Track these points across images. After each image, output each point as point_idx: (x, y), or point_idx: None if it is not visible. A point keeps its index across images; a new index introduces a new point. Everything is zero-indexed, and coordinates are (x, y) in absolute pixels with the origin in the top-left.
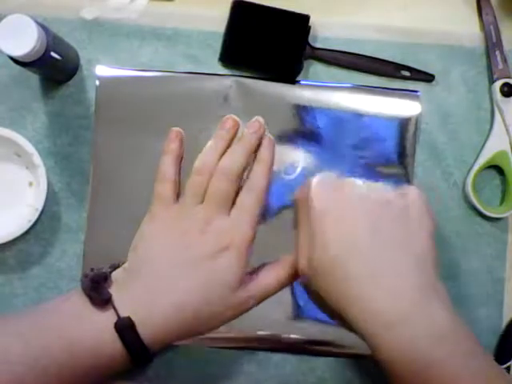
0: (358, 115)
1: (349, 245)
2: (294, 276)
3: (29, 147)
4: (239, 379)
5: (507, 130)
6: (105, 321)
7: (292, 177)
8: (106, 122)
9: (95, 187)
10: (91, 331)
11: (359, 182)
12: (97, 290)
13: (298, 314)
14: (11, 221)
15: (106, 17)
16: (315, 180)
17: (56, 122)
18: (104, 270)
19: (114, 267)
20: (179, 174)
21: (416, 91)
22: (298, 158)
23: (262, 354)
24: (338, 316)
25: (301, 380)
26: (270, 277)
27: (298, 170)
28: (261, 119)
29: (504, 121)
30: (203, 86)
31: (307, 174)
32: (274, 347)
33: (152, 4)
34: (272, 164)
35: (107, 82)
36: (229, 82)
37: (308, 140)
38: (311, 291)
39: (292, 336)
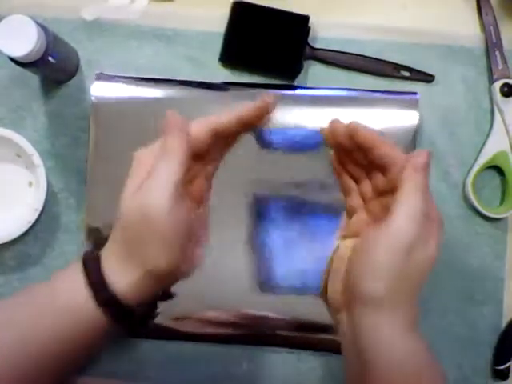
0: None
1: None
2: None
3: (29, 148)
4: (239, 379)
5: (507, 130)
6: (79, 280)
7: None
8: (101, 141)
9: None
10: (68, 293)
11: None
12: (87, 253)
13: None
14: (11, 221)
15: (106, 17)
16: None
17: (56, 122)
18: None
19: None
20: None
21: (415, 93)
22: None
23: (261, 354)
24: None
25: (301, 380)
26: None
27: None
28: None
29: (504, 121)
30: (200, 100)
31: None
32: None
33: (152, 4)
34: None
35: (103, 102)
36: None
37: (305, 152)
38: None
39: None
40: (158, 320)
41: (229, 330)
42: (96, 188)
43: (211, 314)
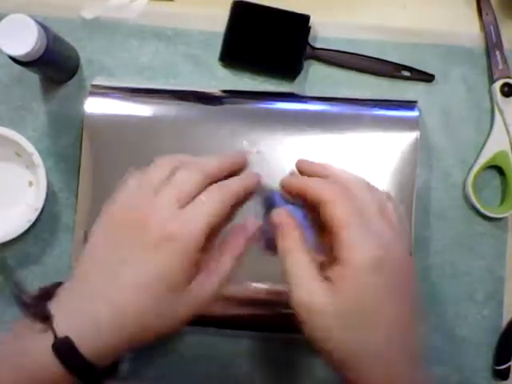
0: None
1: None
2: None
3: (29, 147)
4: (239, 379)
5: (507, 130)
6: (44, 342)
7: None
8: (93, 155)
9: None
10: (33, 355)
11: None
12: (38, 306)
13: None
14: (11, 220)
15: (106, 17)
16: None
17: (56, 121)
18: (50, 286)
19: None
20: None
21: (414, 103)
22: None
23: (261, 354)
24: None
25: (300, 380)
26: (226, 260)
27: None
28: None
29: (504, 121)
30: (195, 116)
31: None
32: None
33: (152, 4)
34: (252, 186)
35: (96, 118)
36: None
37: None
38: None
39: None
40: None
41: (237, 311)
42: (87, 203)
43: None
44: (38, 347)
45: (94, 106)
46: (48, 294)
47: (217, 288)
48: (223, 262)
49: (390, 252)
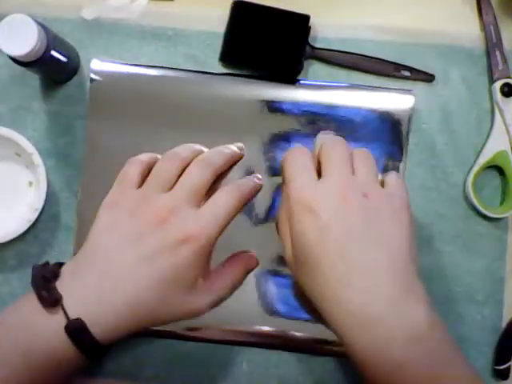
0: (352, 111)
1: (323, 239)
2: (245, 276)
3: (29, 147)
4: (239, 379)
5: (507, 130)
6: (55, 324)
7: None
8: (99, 116)
9: (87, 180)
10: (43, 337)
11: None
12: (47, 288)
13: (273, 309)
14: (11, 220)
15: (106, 17)
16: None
17: (56, 121)
18: (53, 265)
19: (62, 263)
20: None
21: (410, 90)
22: None
23: (261, 354)
24: (319, 315)
25: (300, 380)
26: (226, 281)
27: None
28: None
29: (504, 121)
30: (198, 85)
31: None
32: (249, 341)
33: (152, 4)
34: (258, 186)
35: (102, 76)
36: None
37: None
38: (297, 286)
39: (266, 329)
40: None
41: (233, 338)
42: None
43: (216, 330)
44: (49, 328)
45: (99, 67)
46: (54, 275)
47: (222, 296)
48: (232, 274)
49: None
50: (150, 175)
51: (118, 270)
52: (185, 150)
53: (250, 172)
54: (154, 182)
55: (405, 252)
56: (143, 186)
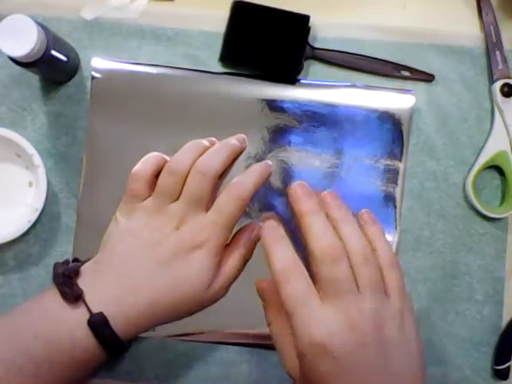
0: (353, 110)
1: (337, 372)
2: (253, 247)
3: (29, 147)
4: (239, 379)
5: (507, 130)
6: (78, 317)
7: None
8: (100, 113)
9: (87, 177)
10: (65, 329)
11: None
12: (69, 284)
13: None
14: (11, 221)
15: (106, 17)
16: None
17: (56, 122)
18: (74, 264)
19: (83, 261)
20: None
21: (410, 90)
22: (293, 157)
23: (261, 354)
24: None
25: None
26: (234, 259)
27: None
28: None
29: (504, 121)
30: (197, 83)
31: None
32: (249, 343)
33: (152, 4)
34: (262, 179)
35: (103, 74)
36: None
37: (303, 137)
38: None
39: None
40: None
41: (233, 340)
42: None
43: (216, 333)
44: (71, 320)
45: (100, 65)
46: (75, 272)
47: (227, 287)
48: (232, 263)
49: None
50: (155, 190)
51: (137, 273)
52: (184, 157)
53: None
54: (161, 197)
55: None
56: (153, 199)
